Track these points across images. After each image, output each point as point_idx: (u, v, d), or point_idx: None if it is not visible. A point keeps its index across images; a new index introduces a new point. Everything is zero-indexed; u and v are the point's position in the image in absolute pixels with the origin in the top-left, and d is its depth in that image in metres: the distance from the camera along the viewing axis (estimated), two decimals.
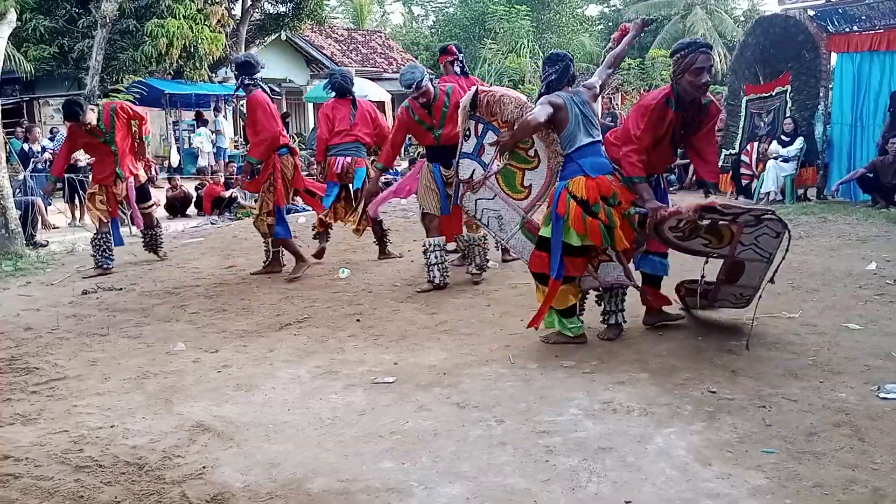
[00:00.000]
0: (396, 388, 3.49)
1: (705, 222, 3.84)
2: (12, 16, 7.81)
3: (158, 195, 11.78)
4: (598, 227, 3.81)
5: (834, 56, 9.95)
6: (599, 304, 4.22)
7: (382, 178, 5.77)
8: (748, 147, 10.43)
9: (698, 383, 3.41)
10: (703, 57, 3.76)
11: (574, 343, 4.04)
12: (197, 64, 16.15)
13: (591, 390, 3.35)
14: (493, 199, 4.45)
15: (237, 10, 18.55)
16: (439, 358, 3.90)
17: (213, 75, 17.67)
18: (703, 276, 4.13)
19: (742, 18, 33.91)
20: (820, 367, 3.56)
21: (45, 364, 3.94)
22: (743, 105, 10.69)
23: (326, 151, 6.08)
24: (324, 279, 5.92)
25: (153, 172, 11.28)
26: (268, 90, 5.74)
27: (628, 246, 3.93)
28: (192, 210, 11.57)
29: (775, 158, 9.81)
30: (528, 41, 25.57)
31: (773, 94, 10.26)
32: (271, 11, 19.66)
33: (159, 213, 10.97)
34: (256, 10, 19.16)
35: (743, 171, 10.43)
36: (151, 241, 6.99)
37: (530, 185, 4.35)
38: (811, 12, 10.03)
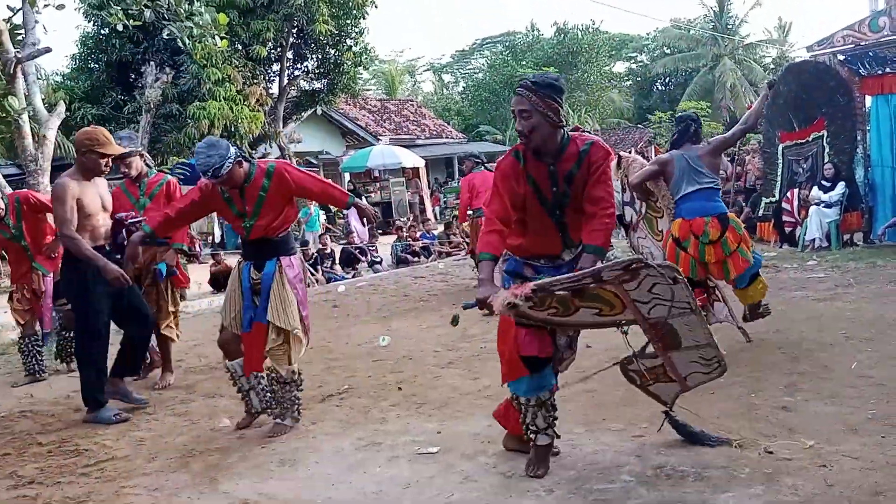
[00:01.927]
0: (441, 458, 3.44)
1: (562, 292, 2.82)
2: (61, 108, 8.24)
3: (202, 271, 12.07)
4: (687, 259, 4.72)
5: (868, 99, 9.85)
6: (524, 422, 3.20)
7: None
8: (788, 194, 10.29)
9: (754, 444, 3.28)
10: (515, 99, 3.04)
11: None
12: (238, 142, 16.71)
13: (643, 455, 3.24)
14: (645, 238, 5.43)
15: (274, 89, 19.27)
16: (483, 425, 3.83)
17: (253, 152, 18.25)
18: (634, 353, 3.24)
19: (772, 66, 33.95)
20: (880, 421, 3.40)
21: (94, 445, 3.98)
22: (780, 152, 10.61)
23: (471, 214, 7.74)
24: (365, 348, 5.92)
25: (197, 248, 11.59)
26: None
27: (721, 278, 4.81)
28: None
29: (817, 204, 9.65)
30: None
31: (810, 139, 10.17)
32: (307, 88, 20.37)
33: (204, 287, 11.23)
34: (293, 87, 19.88)
35: (785, 218, 10.26)
36: (63, 348, 5.75)
37: (662, 230, 5.20)
38: (841, 57, 10.01)
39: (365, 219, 4.77)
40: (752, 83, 32.76)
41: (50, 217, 5.43)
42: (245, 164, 3.86)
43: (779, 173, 10.63)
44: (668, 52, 36.87)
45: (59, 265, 5.26)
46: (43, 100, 8.31)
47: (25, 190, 5.86)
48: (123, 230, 4.62)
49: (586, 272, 2.74)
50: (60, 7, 7.93)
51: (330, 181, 4.33)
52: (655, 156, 8.79)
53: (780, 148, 10.61)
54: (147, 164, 5.27)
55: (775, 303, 5.81)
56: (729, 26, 34.91)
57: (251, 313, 3.94)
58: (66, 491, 3.37)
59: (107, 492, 3.33)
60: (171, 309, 5.21)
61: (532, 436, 3.16)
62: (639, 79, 39.46)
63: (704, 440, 3.27)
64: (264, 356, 3.96)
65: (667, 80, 38.94)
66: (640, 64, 40.01)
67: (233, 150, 3.76)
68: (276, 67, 19.19)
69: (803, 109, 10.27)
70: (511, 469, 3.21)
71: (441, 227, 15.74)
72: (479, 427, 3.80)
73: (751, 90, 32.17)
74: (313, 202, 17.93)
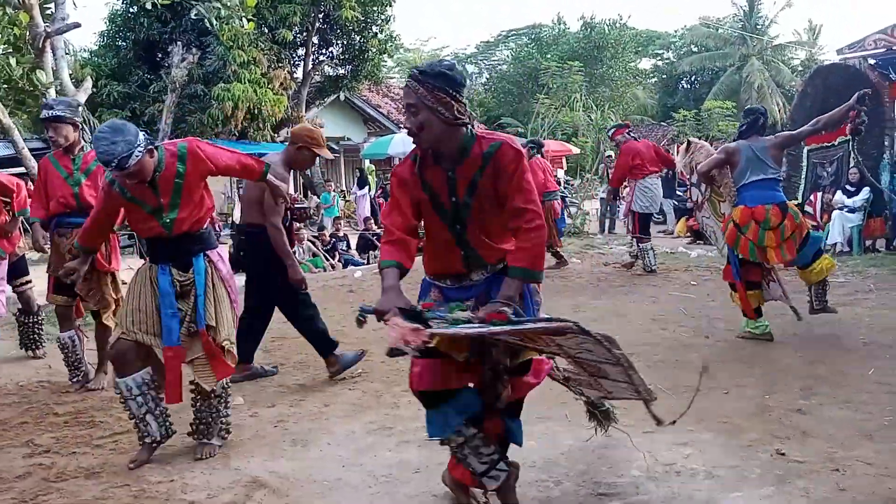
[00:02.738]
0: None
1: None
2: (88, 83, 8.31)
3: (222, 251, 12.16)
4: (746, 243, 4.99)
5: None
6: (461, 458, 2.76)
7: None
8: (811, 197, 10.17)
9: (766, 445, 3.26)
10: (403, 92, 2.61)
11: (763, 340, 5.04)
12: (260, 125, 16.80)
13: (653, 451, 3.23)
14: (709, 217, 5.72)
15: (299, 73, 19.30)
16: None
17: (276, 135, 18.31)
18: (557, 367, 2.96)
19: (800, 68, 33.49)
20: None
21: (110, 418, 4.04)
22: (804, 155, 10.48)
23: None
24: (379, 333, 5.92)
25: (217, 229, 11.65)
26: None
27: (779, 262, 5.05)
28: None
29: (840, 209, 9.53)
30: (581, 95, 25.74)
31: (836, 143, 10.04)
32: (331, 73, 20.39)
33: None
34: (317, 72, 19.90)
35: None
36: (26, 334, 5.47)
37: (724, 213, 5.42)
38: (871, 61, 9.85)
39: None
40: (780, 84, 32.33)
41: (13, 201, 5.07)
42: (155, 152, 3.23)
43: (803, 176, 10.51)
44: (695, 50, 36.44)
45: (15, 247, 5.26)
46: (70, 75, 8.37)
47: None
48: (289, 213, 4.56)
49: (502, 330, 2.27)
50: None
51: (243, 152, 3.71)
52: (678, 153, 8.77)
53: (805, 150, 10.49)
54: (84, 139, 4.75)
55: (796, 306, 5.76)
56: (758, 26, 34.42)
57: (177, 323, 3.32)
58: (81, 461, 3.43)
59: (120, 463, 3.38)
60: (112, 296, 4.57)
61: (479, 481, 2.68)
62: (664, 76, 39.06)
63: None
64: (181, 392, 3.42)
65: (693, 79, 38.52)
66: (667, 61, 39.59)
67: (142, 135, 3.11)
68: (301, 52, 19.20)
69: None
70: (521, 459, 3.20)
71: None
72: None
73: (778, 91, 31.78)
74: (332, 189, 18.03)
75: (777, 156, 5.20)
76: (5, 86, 7.79)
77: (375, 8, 18.64)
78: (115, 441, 3.69)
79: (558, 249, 9.01)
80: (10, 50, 7.68)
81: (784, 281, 5.40)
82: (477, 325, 2.30)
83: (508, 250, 2.57)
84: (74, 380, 4.72)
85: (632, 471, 3.05)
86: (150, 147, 3.15)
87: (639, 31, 35.50)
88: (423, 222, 2.67)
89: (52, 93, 7.68)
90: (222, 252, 3.55)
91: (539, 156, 8.83)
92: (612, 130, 8.80)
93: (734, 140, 5.38)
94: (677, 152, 5.94)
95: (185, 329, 3.36)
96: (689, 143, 6.07)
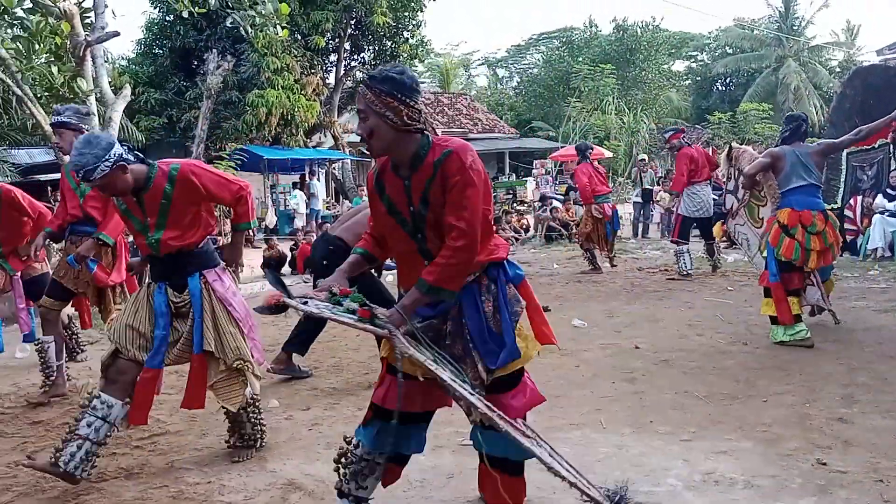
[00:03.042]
0: None
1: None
2: (127, 90, 8.48)
3: (255, 255, 12.32)
4: (793, 244, 5.05)
5: None
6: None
7: None
8: (851, 201, 9.96)
9: (807, 454, 3.19)
10: (357, 97, 2.47)
11: (803, 346, 4.97)
12: (293, 130, 16.99)
13: (691, 459, 3.19)
14: (743, 225, 5.84)
15: (331, 79, 19.48)
16: (528, 420, 3.81)
17: (308, 140, 18.50)
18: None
19: (838, 70, 32.83)
20: None
21: (149, 419, 4.10)
22: (844, 159, 10.26)
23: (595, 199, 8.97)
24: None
25: (252, 233, 11.77)
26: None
27: (816, 266, 5.12)
28: (286, 269, 11.97)
29: (881, 213, 9.32)
30: (613, 98, 25.58)
31: (876, 146, 9.81)
32: (363, 79, 20.54)
33: (258, 271, 11.47)
34: (349, 78, 20.07)
35: (847, 226, 9.93)
36: (65, 345, 5.00)
37: (763, 218, 5.57)
38: None
39: None
40: (817, 86, 31.74)
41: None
42: (136, 169, 3.13)
43: (842, 179, 10.28)
44: (729, 51, 35.98)
45: (26, 266, 5.03)
46: (109, 83, 8.56)
47: (10, 186, 5.03)
48: None
49: (331, 316, 2.35)
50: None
51: (246, 187, 3.40)
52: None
53: (844, 154, 10.26)
54: None
55: (837, 313, 5.64)
56: (794, 27, 33.87)
57: (165, 345, 3.24)
58: (121, 462, 3.49)
59: (158, 465, 3.44)
60: (116, 306, 4.56)
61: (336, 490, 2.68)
62: (698, 78, 38.60)
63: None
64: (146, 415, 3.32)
65: (727, 81, 38.02)
66: (701, 63, 39.13)
67: (116, 150, 3.05)
68: (333, 58, 19.40)
69: (870, 115, 9.87)
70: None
71: None
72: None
73: (815, 93, 31.20)
74: (364, 193, 18.08)
75: (819, 163, 5.28)
76: (47, 93, 7.99)
77: (406, 13, 18.76)
78: (153, 442, 3.75)
79: (608, 255, 9.43)
80: (52, 58, 7.87)
81: (822, 285, 5.36)
82: (323, 303, 2.41)
83: (476, 265, 2.43)
84: (42, 389, 4.59)
85: (669, 479, 3.01)
86: (123, 163, 3.05)
87: (672, 32, 35.09)
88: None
89: (92, 100, 7.85)
90: (220, 271, 3.39)
91: (586, 161, 9.24)
92: (670, 134, 8.89)
93: (777, 145, 5.45)
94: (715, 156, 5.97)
95: (179, 350, 3.28)
96: (730, 148, 6.16)
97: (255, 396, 3.50)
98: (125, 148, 3.11)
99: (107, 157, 3.00)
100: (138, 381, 3.22)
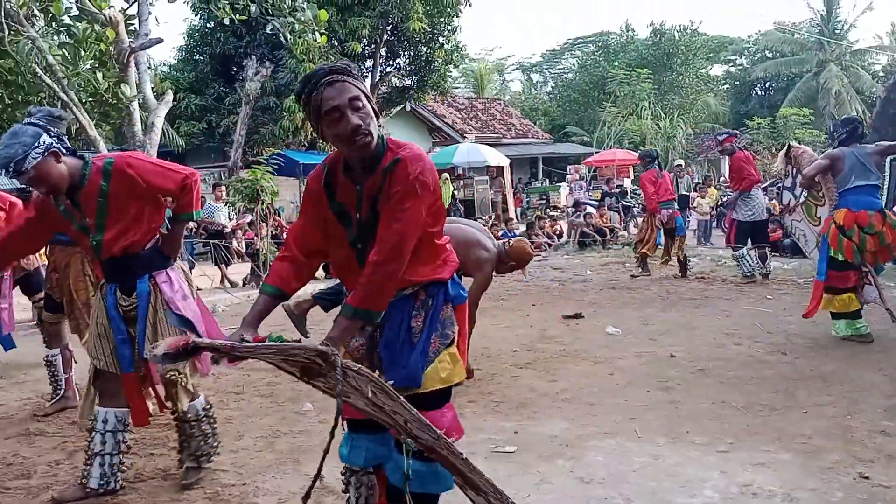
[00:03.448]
0: (517, 458, 3.43)
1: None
2: (169, 96, 8.65)
3: (174, 271, 12.36)
4: (850, 245, 5.14)
5: None
6: (345, 493, 2.65)
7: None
8: (895, 207, 9.71)
9: (849, 467, 3.12)
10: (330, 92, 2.09)
11: (864, 342, 5.16)
12: None
13: (728, 471, 3.14)
14: (801, 221, 6.01)
15: (366, 85, 19.59)
16: (561, 428, 3.80)
17: None
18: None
19: (881, 74, 32.06)
20: None
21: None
22: (888, 164, 10.02)
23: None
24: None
25: (283, 235, 11.88)
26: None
27: (873, 264, 5.26)
28: (320, 273, 12.06)
29: None
30: (650, 103, 25.33)
31: None
32: (397, 84, 20.67)
33: None
34: (384, 83, 20.21)
35: None
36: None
37: (820, 217, 5.66)
38: None
39: None
40: (859, 91, 31.05)
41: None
42: (71, 163, 2.91)
43: (886, 186, 10.04)
44: (769, 55, 35.39)
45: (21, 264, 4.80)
46: (152, 89, 8.74)
47: None
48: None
49: (246, 348, 2.01)
50: (172, 0, 8.35)
51: (192, 174, 3.16)
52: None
53: (888, 159, 10.02)
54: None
55: (875, 320, 5.51)
56: (836, 31, 33.17)
57: (128, 349, 3.09)
58: (158, 462, 3.55)
59: None
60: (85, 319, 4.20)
61: None
62: (737, 83, 38.04)
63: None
64: (148, 415, 3.26)
65: (767, 85, 37.39)
66: (739, 67, 38.56)
67: (45, 139, 2.81)
68: (368, 64, 19.53)
69: None
70: (589, 475, 3.17)
71: (523, 227, 15.67)
72: (556, 429, 3.77)
73: (857, 98, 30.50)
74: None
75: (879, 162, 5.44)
76: (91, 99, 8.18)
77: (442, 19, 18.81)
78: None
79: (649, 254, 9.44)
80: (97, 65, 8.07)
81: (881, 284, 5.42)
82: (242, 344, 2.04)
83: (408, 280, 2.23)
84: (52, 402, 4.52)
85: (706, 491, 2.97)
86: (56, 150, 2.83)
87: (710, 36, 34.64)
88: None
89: (135, 106, 8.02)
90: (172, 273, 3.17)
91: (654, 167, 9.41)
92: (724, 137, 8.90)
93: (835, 147, 5.55)
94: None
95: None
96: (789, 147, 6.37)
97: (205, 408, 3.28)
98: (55, 138, 2.86)
99: (36, 144, 2.77)
100: (124, 388, 3.13)
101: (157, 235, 3.15)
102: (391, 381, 2.10)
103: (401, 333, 2.25)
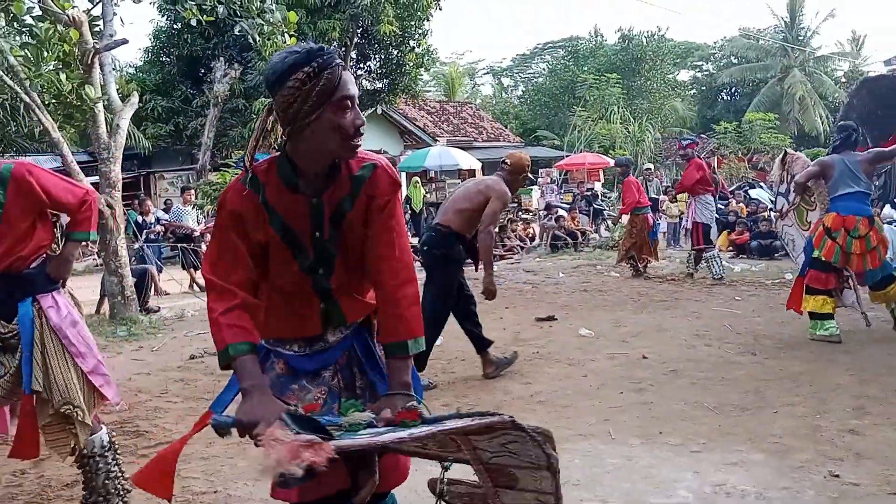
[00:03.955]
0: None
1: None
2: (135, 98, 8.49)
3: (60, 294, 12.25)
4: (832, 247, 5.29)
5: None
6: None
7: None
8: (886, 208, 9.93)
9: (819, 466, 3.16)
10: (347, 76, 1.77)
11: (832, 342, 5.27)
12: None
13: (701, 471, 3.16)
14: (791, 226, 6.25)
15: None
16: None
17: None
18: (444, 473, 1.82)
19: (843, 80, 32.80)
20: None
21: (154, 427, 4.09)
22: None
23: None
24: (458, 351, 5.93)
25: None
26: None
27: (860, 269, 5.35)
28: None
29: (889, 223, 9.28)
30: (619, 108, 25.59)
31: None
32: (368, 87, 20.60)
33: None
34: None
35: None
36: None
37: (811, 221, 5.91)
38: None
39: None
40: (823, 96, 31.72)
41: None
42: None
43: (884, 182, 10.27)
44: (735, 61, 36.00)
45: None
46: (117, 90, 8.58)
47: None
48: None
49: (422, 434, 1.61)
50: (138, 0, 8.21)
51: (92, 192, 2.97)
52: (718, 166, 8.89)
53: None
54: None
55: (845, 323, 5.61)
56: (800, 38, 33.89)
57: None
58: (126, 471, 3.46)
59: None
60: None
61: None
62: (703, 88, 38.65)
63: None
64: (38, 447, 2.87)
65: (732, 91, 38.03)
66: (706, 73, 39.19)
67: None
68: None
69: (878, 125, 9.89)
70: (564, 477, 3.13)
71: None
72: None
73: (821, 103, 31.17)
74: None
75: (869, 171, 5.53)
76: (54, 101, 8.00)
77: (413, 22, 18.79)
78: (158, 451, 3.72)
79: (650, 261, 9.63)
80: (60, 66, 7.89)
81: (860, 289, 5.52)
82: (384, 429, 1.66)
83: (372, 305, 1.95)
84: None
85: (679, 491, 2.98)
86: None
87: (677, 42, 35.16)
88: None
89: (100, 107, 7.87)
90: (59, 297, 2.88)
91: (630, 175, 9.91)
92: (688, 143, 9.29)
93: (829, 154, 5.82)
94: (719, 164, 6.37)
95: (3, 389, 2.77)
96: (784, 153, 6.72)
97: (106, 444, 2.96)
98: None
99: None
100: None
101: (45, 254, 2.86)
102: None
103: (379, 366, 1.95)
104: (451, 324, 6.74)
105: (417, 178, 20.74)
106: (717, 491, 2.96)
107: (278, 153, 1.88)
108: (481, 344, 4.92)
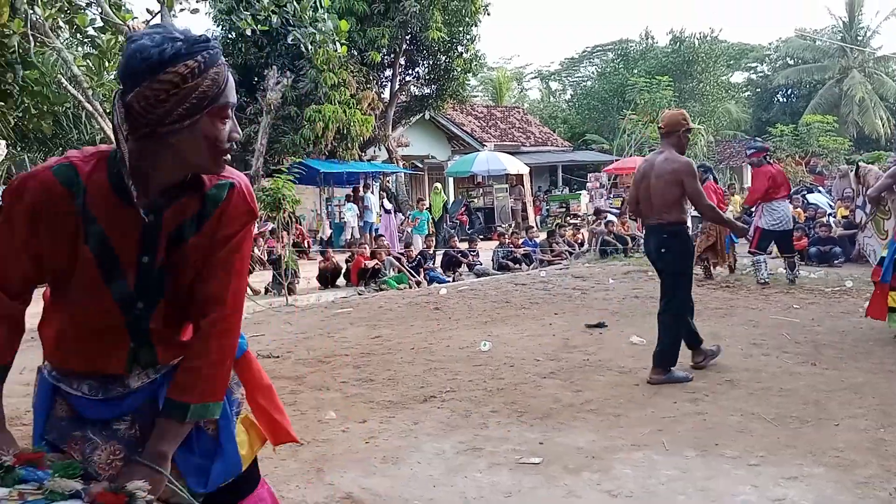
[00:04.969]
0: (543, 469, 3.38)
1: None
2: None
3: (311, 267, 12.50)
4: None
5: None
6: None
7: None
8: None
9: (883, 482, 3.04)
10: (231, 81, 1.50)
11: None
12: (349, 144, 17.24)
13: (760, 485, 3.07)
14: (871, 237, 6.59)
15: (386, 94, 19.73)
16: (587, 439, 3.75)
17: (363, 154, 18.72)
18: None
19: None
20: None
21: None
22: None
23: None
24: (465, 352, 5.93)
25: (307, 245, 11.99)
26: None
27: None
28: (341, 281, 12.11)
29: None
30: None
31: None
32: (417, 93, 20.75)
33: (313, 283, 11.65)
34: (403, 92, 20.29)
35: None
36: None
37: (888, 230, 6.04)
38: None
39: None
40: (883, 98, 30.70)
41: None
42: None
43: None
44: (791, 62, 35.14)
45: None
46: None
47: None
48: None
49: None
50: (195, 11, 8.43)
51: None
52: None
53: None
54: None
55: None
56: (859, 38, 32.85)
57: None
58: None
59: None
60: None
61: None
62: (758, 90, 37.79)
63: None
64: None
65: (789, 93, 37.10)
66: (761, 74, 38.32)
67: None
68: (388, 73, 19.63)
69: None
70: (617, 488, 3.12)
71: (543, 235, 15.60)
72: (582, 441, 3.72)
73: (881, 105, 30.17)
74: (425, 206, 18.00)
75: None
76: None
77: (461, 28, 18.88)
78: None
79: (728, 265, 9.76)
80: None
81: None
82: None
83: (185, 347, 1.59)
84: None
85: None
86: None
87: (731, 44, 34.43)
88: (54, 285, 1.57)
89: None
90: None
91: (711, 178, 9.94)
92: (752, 151, 9.38)
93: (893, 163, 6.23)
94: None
95: None
96: (857, 167, 6.97)
97: None
98: None
99: None
100: None
101: None
102: (199, 488, 1.57)
103: None
104: (500, 328, 6.73)
105: (438, 185, 20.63)
106: None
107: (107, 148, 1.48)
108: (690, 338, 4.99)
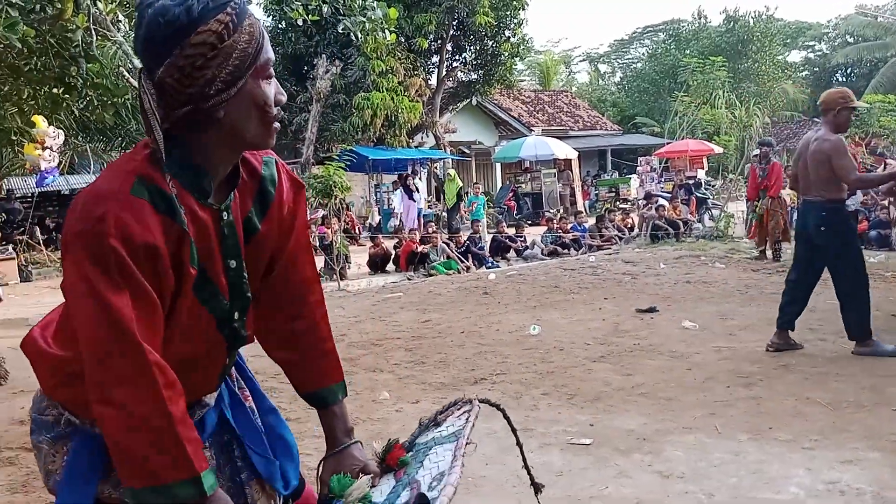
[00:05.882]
0: (593, 450, 3.42)
1: None
2: None
3: (362, 252, 12.69)
4: None
5: None
6: None
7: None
8: None
9: None
10: (259, 25, 1.21)
11: None
12: (397, 131, 17.37)
13: (814, 468, 3.05)
14: None
15: (433, 80, 19.77)
16: (638, 422, 3.77)
17: (411, 141, 18.83)
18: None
19: None
20: None
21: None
22: None
23: None
24: (515, 335, 5.99)
25: (357, 231, 12.17)
26: None
27: None
28: (390, 266, 12.26)
29: None
30: (724, 92, 24.55)
31: None
32: (464, 79, 20.73)
33: (364, 268, 11.84)
34: (450, 78, 20.29)
35: None
36: None
37: None
38: None
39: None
40: None
41: None
42: None
43: None
44: (850, 40, 33.86)
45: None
46: None
47: None
48: None
49: (453, 459, 1.28)
50: (247, 2, 8.60)
51: None
52: None
53: None
54: None
55: None
56: None
57: None
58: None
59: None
60: None
61: None
62: (816, 69, 36.56)
63: None
64: None
65: (848, 72, 35.80)
66: (819, 53, 37.05)
67: None
68: (435, 59, 19.66)
69: None
70: (668, 469, 3.15)
71: (592, 220, 15.49)
72: (633, 423, 3.75)
73: None
74: (479, 191, 17.94)
75: None
76: None
77: (508, 12, 18.76)
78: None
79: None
80: None
81: None
82: (406, 483, 1.32)
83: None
84: None
85: (790, 487, 2.90)
86: None
87: (787, 22, 33.39)
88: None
89: None
90: None
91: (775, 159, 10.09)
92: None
93: None
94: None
95: None
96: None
97: None
98: None
99: None
100: None
101: None
102: (284, 490, 1.51)
103: (251, 422, 1.49)
104: (549, 313, 6.75)
105: (451, 171, 20.25)
106: (831, 489, 2.86)
107: (147, 148, 1.20)
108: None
